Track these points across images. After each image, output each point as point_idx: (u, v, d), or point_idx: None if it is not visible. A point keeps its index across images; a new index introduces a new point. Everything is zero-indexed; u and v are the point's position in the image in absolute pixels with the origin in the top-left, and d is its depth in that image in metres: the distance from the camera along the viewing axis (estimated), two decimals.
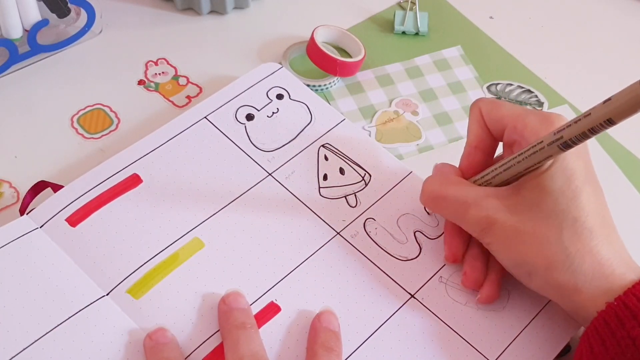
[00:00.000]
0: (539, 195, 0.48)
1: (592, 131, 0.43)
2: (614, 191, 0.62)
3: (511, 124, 0.51)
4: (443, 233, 0.56)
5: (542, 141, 0.46)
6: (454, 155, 0.63)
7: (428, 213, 0.58)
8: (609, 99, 0.41)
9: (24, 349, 0.49)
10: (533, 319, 0.53)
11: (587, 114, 0.43)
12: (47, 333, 0.50)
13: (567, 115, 0.66)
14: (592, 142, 0.65)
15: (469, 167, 0.54)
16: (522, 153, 0.48)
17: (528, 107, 0.67)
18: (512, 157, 0.49)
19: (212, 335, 0.51)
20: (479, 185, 0.52)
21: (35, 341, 0.49)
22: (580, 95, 0.68)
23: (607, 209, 0.50)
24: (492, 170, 0.51)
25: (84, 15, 0.68)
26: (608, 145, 0.65)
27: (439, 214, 0.56)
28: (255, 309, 0.52)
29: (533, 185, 0.48)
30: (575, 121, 0.44)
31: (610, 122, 0.42)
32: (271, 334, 0.51)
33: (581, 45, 0.74)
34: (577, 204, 0.47)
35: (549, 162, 0.48)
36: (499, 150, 0.55)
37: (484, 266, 0.53)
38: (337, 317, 0.52)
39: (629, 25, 0.76)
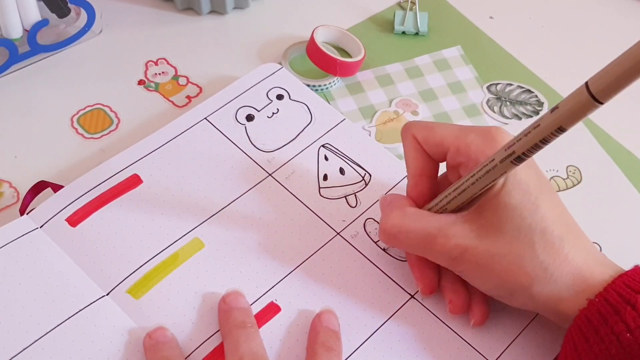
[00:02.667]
0: (502, 214, 0.47)
1: (544, 141, 0.42)
2: (613, 191, 0.62)
3: (453, 146, 0.50)
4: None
5: (493, 159, 0.45)
6: None
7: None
8: (556, 107, 0.41)
9: (24, 349, 0.49)
10: (533, 319, 0.53)
11: (536, 125, 0.42)
12: (48, 333, 0.50)
13: None
14: (591, 142, 0.65)
15: (419, 196, 0.52)
16: (474, 174, 0.47)
17: (528, 107, 0.67)
18: (464, 180, 0.48)
19: (212, 335, 0.51)
20: (435, 212, 0.51)
21: (36, 341, 0.49)
22: None
23: (568, 213, 0.49)
24: (446, 196, 0.49)
25: (84, 15, 0.68)
26: (608, 145, 0.65)
27: (402, 249, 0.54)
28: (256, 309, 0.52)
29: (494, 205, 0.47)
30: (525, 134, 0.43)
31: (561, 130, 0.41)
32: (271, 334, 0.51)
33: (581, 44, 0.74)
34: (540, 215, 0.47)
35: (502, 179, 0.47)
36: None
37: (465, 288, 0.52)
38: (337, 316, 0.52)
39: (628, 25, 0.76)
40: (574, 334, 0.46)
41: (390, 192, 0.57)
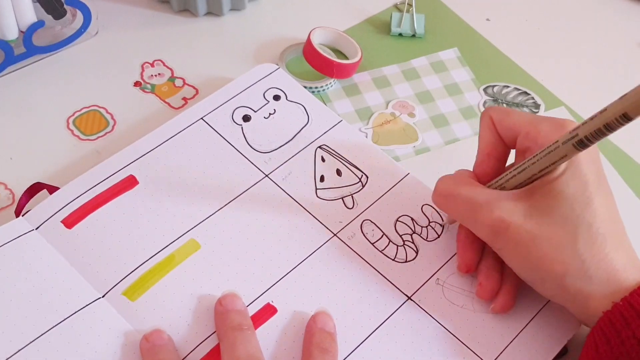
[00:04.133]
0: (553, 200, 0.47)
1: (608, 127, 0.42)
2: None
3: (524, 130, 0.51)
4: (440, 233, 0.56)
5: (557, 140, 0.46)
6: (451, 157, 0.63)
7: (442, 226, 0.57)
8: (625, 95, 0.41)
9: (19, 350, 0.48)
10: (530, 321, 0.53)
11: (603, 110, 0.42)
12: (43, 334, 0.49)
13: (563, 117, 0.66)
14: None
15: (483, 174, 0.53)
16: (536, 154, 0.47)
17: (525, 109, 0.67)
18: (526, 160, 0.49)
19: (208, 337, 0.51)
20: (494, 189, 0.52)
21: (31, 342, 0.49)
22: (576, 97, 0.68)
23: (619, 215, 0.49)
24: (506, 174, 0.51)
25: (79, 17, 0.68)
26: (605, 148, 0.65)
27: (449, 213, 0.55)
28: (252, 310, 0.52)
29: (547, 190, 0.48)
30: (591, 118, 0.43)
31: (625, 118, 0.41)
32: (267, 336, 0.51)
33: (577, 47, 0.74)
34: (591, 210, 0.47)
35: (562, 167, 0.48)
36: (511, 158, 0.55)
37: (499, 276, 0.53)
38: (333, 318, 0.52)
39: (624, 27, 0.76)
40: (596, 335, 0.46)
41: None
